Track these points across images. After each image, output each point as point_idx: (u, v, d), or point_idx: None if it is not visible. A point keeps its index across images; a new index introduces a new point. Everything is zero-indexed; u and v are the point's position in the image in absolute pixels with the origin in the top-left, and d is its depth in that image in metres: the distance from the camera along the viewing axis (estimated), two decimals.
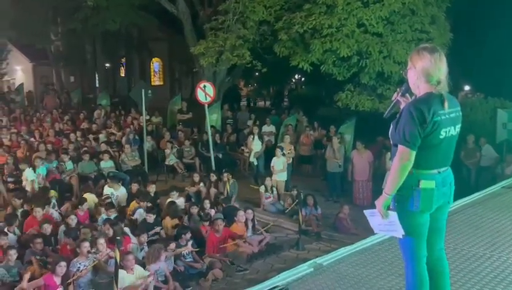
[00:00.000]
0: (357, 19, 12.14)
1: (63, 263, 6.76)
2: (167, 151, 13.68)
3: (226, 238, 8.77)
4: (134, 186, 10.94)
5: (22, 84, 24.80)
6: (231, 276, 8.03)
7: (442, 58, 3.03)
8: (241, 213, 9.29)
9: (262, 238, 9.16)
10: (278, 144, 13.32)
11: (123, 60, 33.08)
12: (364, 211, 3.32)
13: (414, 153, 2.96)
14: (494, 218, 6.14)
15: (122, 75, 34.48)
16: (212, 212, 9.72)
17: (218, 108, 16.12)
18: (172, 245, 8.06)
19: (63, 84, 28.46)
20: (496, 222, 5.98)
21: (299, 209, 9.69)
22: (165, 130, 15.65)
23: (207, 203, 9.98)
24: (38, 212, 8.82)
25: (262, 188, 11.52)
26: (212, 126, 14.23)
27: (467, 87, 25.33)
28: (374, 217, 3.20)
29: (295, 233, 9.66)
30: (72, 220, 8.58)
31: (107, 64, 31.69)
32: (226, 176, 11.40)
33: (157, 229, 8.95)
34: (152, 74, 32.92)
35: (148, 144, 14.09)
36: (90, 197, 10.12)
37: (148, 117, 15.46)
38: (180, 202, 10.32)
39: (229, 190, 11.23)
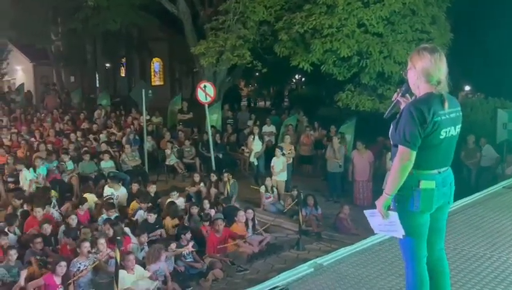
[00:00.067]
0: (358, 19, 12.13)
1: (63, 263, 6.76)
2: (167, 151, 13.67)
3: (227, 238, 8.78)
4: (135, 187, 10.94)
5: (22, 84, 24.85)
6: (231, 276, 8.03)
7: (443, 59, 3.03)
8: (241, 213, 9.29)
9: (262, 239, 9.16)
10: (278, 144, 13.33)
11: (123, 60, 33.07)
12: (364, 211, 3.31)
13: (414, 153, 2.96)
14: (494, 218, 6.13)
15: (123, 75, 34.48)
16: (213, 212, 9.72)
17: (218, 108, 16.10)
18: (173, 245, 8.08)
19: (64, 84, 28.44)
20: (497, 222, 5.97)
21: (299, 210, 9.68)
22: (166, 130, 15.63)
23: (207, 204, 9.99)
24: (39, 212, 8.83)
25: (262, 188, 11.51)
26: (212, 126, 14.22)
27: (467, 88, 25.36)
28: (374, 217, 3.19)
29: (295, 233, 9.66)
30: (73, 220, 8.59)
31: (108, 64, 31.67)
32: (226, 176, 11.40)
33: (159, 231, 8.95)
34: (152, 74, 32.91)
35: (149, 144, 14.09)
36: (91, 197, 10.15)
37: (148, 117, 15.45)
38: (181, 202, 10.32)
39: (229, 190, 11.23)
